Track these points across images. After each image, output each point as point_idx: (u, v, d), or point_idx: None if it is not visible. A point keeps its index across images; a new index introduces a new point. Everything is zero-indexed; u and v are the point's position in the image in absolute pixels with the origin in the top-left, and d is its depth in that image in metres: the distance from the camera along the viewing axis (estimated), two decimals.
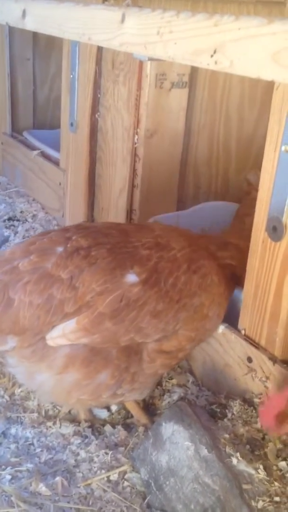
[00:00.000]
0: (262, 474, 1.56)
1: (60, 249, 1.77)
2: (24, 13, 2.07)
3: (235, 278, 1.98)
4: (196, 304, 1.79)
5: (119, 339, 1.71)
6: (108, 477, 1.71)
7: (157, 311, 1.72)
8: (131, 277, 1.71)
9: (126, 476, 1.72)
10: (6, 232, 3.25)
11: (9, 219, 3.45)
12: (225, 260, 1.96)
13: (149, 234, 1.88)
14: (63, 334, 1.69)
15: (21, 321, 1.72)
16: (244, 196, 2.83)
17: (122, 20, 1.47)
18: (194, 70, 2.48)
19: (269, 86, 2.51)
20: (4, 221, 3.42)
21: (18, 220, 3.44)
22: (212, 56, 1.15)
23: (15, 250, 1.84)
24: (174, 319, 1.75)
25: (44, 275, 1.72)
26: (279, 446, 1.66)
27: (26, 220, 3.45)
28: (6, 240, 3.17)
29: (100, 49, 2.60)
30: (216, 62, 1.14)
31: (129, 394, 1.83)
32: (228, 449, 1.60)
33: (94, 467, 1.75)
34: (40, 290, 1.71)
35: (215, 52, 1.14)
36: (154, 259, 1.77)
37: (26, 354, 1.76)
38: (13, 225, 3.37)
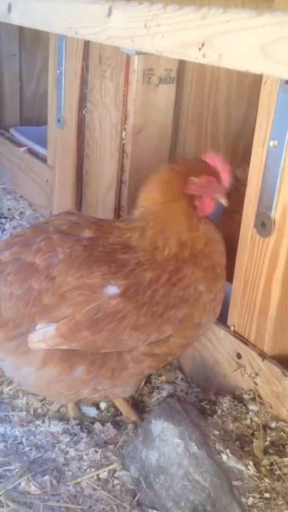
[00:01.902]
0: (252, 470, 1.56)
1: (40, 238, 1.77)
2: (9, 7, 2.05)
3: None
4: (181, 316, 1.72)
5: (99, 348, 1.71)
6: (97, 475, 1.70)
7: (138, 324, 1.68)
8: (111, 289, 1.67)
9: (116, 474, 1.71)
10: None
11: None
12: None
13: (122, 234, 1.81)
14: (43, 339, 1.70)
15: (2, 313, 1.73)
16: (232, 192, 2.83)
17: (109, 14, 1.45)
18: (181, 66, 2.47)
19: (257, 81, 2.50)
20: None
21: (5, 218, 3.41)
22: (200, 49, 1.14)
23: None
24: (158, 331, 1.71)
25: (24, 266, 1.73)
26: (267, 443, 1.66)
27: (14, 217, 3.42)
28: None
29: (87, 44, 2.58)
30: (204, 55, 1.13)
31: (111, 390, 1.82)
32: (218, 446, 1.60)
33: (84, 465, 1.73)
34: (20, 281, 1.71)
35: (203, 45, 1.13)
36: (131, 265, 1.70)
37: (10, 348, 1.77)
38: (1, 223, 3.34)
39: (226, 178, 1.78)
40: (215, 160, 1.77)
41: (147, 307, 1.67)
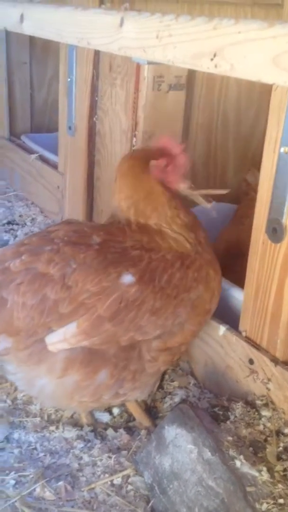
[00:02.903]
0: (265, 476, 1.56)
1: (49, 247, 1.78)
2: (22, 18, 2.07)
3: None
4: (193, 298, 1.79)
5: (119, 339, 1.72)
6: (111, 481, 1.71)
7: (155, 309, 1.72)
8: (127, 278, 1.71)
9: (129, 480, 1.71)
10: (6, 236, 3.25)
11: (8, 223, 3.45)
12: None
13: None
14: (65, 338, 1.70)
15: (15, 322, 1.73)
16: (242, 197, 2.84)
17: (121, 24, 1.47)
18: (191, 72, 2.48)
19: (266, 87, 2.51)
20: (3, 225, 3.42)
21: (17, 224, 3.44)
22: (212, 59, 1.15)
23: (5, 252, 1.85)
24: (173, 314, 1.76)
25: (36, 275, 1.73)
26: (280, 449, 1.67)
27: (25, 223, 3.45)
28: (5, 244, 3.17)
29: (97, 52, 2.60)
30: (216, 66, 1.15)
31: (131, 393, 1.83)
32: (231, 452, 1.60)
33: (98, 471, 1.74)
34: (33, 291, 1.71)
35: (215, 55, 1.14)
36: (146, 259, 1.76)
37: (23, 357, 1.76)
38: (13, 229, 3.37)
39: (180, 159, 1.81)
40: (168, 143, 1.82)
41: (163, 291, 1.73)
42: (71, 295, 1.69)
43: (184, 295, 1.77)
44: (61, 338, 1.70)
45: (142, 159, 1.81)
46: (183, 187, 1.83)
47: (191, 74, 2.51)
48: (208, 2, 2.31)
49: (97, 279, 1.69)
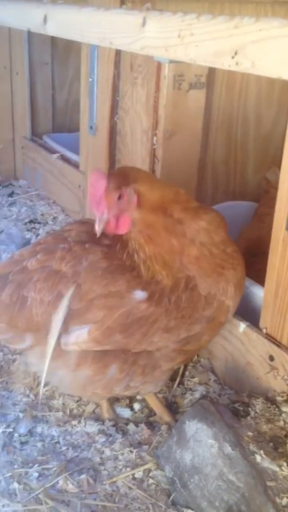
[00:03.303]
0: (286, 471, 1.57)
1: (61, 245, 1.83)
2: (45, 19, 2.11)
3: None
4: (208, 315, 1.78)
5: (131, 349, 1.76)
6: (133, 474, 1.73)
7: (168, 327, 1.73)
8: (139, 294, 1.72)
9: (150, 474, 1.74)
10: (28, 235, 3.30)
11: (30, 221, 3.50)
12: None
13: None
14: (76, 342, 1.75)
15: (34, 318, 1.78)
16: (263, 195, 2.84)
17: (143, 24, 1.49)
18: (211, 71, 2.50)
19: (286, 85, 2.51)
20: (25, 223, 3.47)
21: (39, 223, 3.48)
22: (233, 57, 1.17)
23: (23, 252, 1.91)
24: (187, 330, 1.77)
25: (51, 273, 1.78)
26: None
27: (47, 222, 3.50)
28: (27, 242, 3.21)
29: (118, 52, 2.63)
30: (237, 63, 1.16)
31: (143, 386, 1.86)
32: (252, 447, 1.62)
33: (119, 465, 1.77)
34: (49, 288, 1.76)
35: (236, 53, 1.16)
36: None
37: (43, 352, 1.80)
38: (34, 228, 3.41)
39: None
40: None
41: (176, 311, 1.73)
42: (81, 293, 1.74)
43: (197, 315, 1.76)
44: (73, 341, 1.75)
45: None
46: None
47: (211, 73, 2.53)
48: (229, 1, 2.32)
49: (103, 282, 1.73)
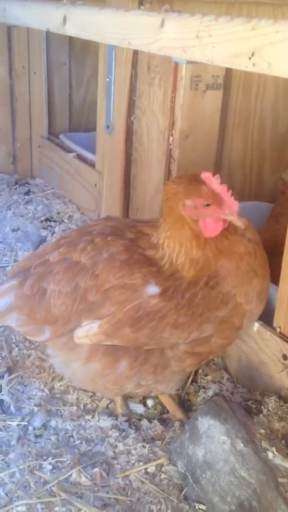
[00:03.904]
0: None
1: (84, 238, 1.86)
2: (65, 20, 2.14)
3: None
4: (221, 316, 1.78)
5: (142, 345, 1.77)
6: (145, 469, 1.76)
7: (178, 323, 1.73)
8: (151, 289, 1.73)
9: (163, 469, 1.76)
10: (44, 233, 3.34)
11: (46, 220, 3.54)
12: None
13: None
14: (87, 335, 1.78)
15: (52, 310, 1.82)
16: (279, 195, 2.85)
17: (162, 25, 1.51)
18: (228, 72, 2.51)
19: None
20: (42, 221, 3.51)
21: (55, 221, 3.52)
22: (250, 58, 1.19)
23: (47, 246, 1.97)
24: (198, 329, 1.76)
25: (71, 265, 1.82)
26: None
27: (63, 220, 3.53)
28: (43, 240, 3.26)
29: (136, 52, 2.65)
30: (254, 65, 1.18)
31: (155, 385, 1.88)
32: (264, 444, 1.63)
33: (132, 459, 1.80)
34: (68, 279, 1.80)
35: (253, 54, 1.18)
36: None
37: (59, 344, 1.86)
38: (50, 226, 3.45)
39: (226, 200, 1.70)
40: (211, 182, 1.71)
41: (187, 308, 1.73)
42: (98, 284, 1.76)
43: (209, 314, 1.75)
44: (85, 334, 1.79)
45: (178, 196, 1.73)
46: (237, 223, 1.72)
47: (228, 74, 2.54)
48: (246, 3, 2.33)
49: (120, 273, 1.75)
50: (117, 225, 1.93)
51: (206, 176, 1.71)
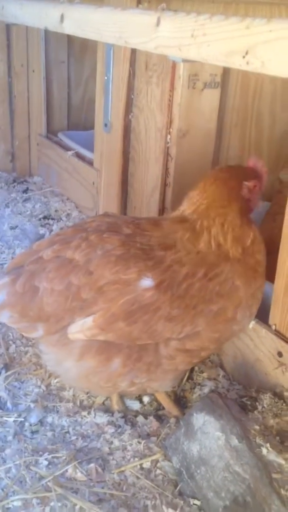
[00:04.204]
0: None
1: (79, 235, 1.86)
2: (62, 18, 2.15)
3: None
4: (215, 310, 1.77)
5: (135, 339, 1.77)
6: (141, 464, 1.77)
7: (171, 316, 1.74)
8: (146, 282, 1.74)
9: (158, 465, 1.77)
10: (42, 230, 3.35)
11: (44, 217, 3.55)
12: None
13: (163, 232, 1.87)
14: (81, 330, 1.78)
15: (45, 308, 1.82)
16: (275, 194, 2.86)
17: (158, 24, 1.53)
18: (226, 71, 2.52)
19: None
20: (40, 219, 3.52)
21: (53, 219, 3.53)
22: (244, 57, 1.20)
23: (41, 243, 1.96)
24: (191, 323, 1.76)
25: (64, 262, 1.81)
26: None
27: (61, 218, 3.54)
28: (41, 238, 3.26)
29: (134, 51, 2.66)
30: (248, 63, 1.19)
31: (148, 383, 1.88)
32: (258, 440, 1.65)
33: (127, 455, 1.81)
34: (60, 277, 1.80)
35: (247, 53, 1.19)
36: (168, 261, 1.77)
37: (52, 341, 1.86)
38: (48, 224, 3.46)
39: (264, 182, 1.96)
40: (258, 165, 1.95)
41: (181, 300, 1.73)
42: (91, 281, 1.76)
43: (203, 306, 1.75)
44: (79, 329, 1.79)
45: (238, 178, 1.91)
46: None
47: (226, 73, 2.55)
48: (244, 2, 2.34)
49: (115, 268, 1.75)
50: (115, 221, 1.93)
51: (253, 160, 1.95)
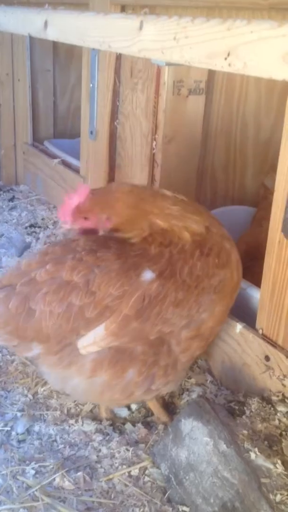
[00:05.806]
0: (280, 468, 1.59)
1: (71, 256, 1.81)
2: (45, 24, 2.15)
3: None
4: (215, 284, 1.81)
5: (147, 334, 1.76)
6: (129, 472, 1.75)
7: (178, 300, 1.75)
8: (148, 275, 1.74)
9: (146, 472, 1.75)
10: (28, 239, 3.33)
11: (31, 226, 3.53)
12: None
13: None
14: (94, 342, 1.75)
15: (44, 330, 1.77)
16: (261, 200, 2.87)
17: (140, 27, 1.53)
18: (210, 77, 2.53)
19: (286, 90, 2.54)
20: (26, 228, 3.50)
21: (39, 227, 3.52)
22: (226, 58, 1.20)
23: (30, 262, 1.87)
24: (196, 303, 1.78)
25: (61, 284, 1.77)
26: None
27: (47, 226, 3.53)
28: (28, 246, 3.25)
29: (119, 57, 2.67)
30: (230, 64, 1.19)
31: (165, 388, 1.87)
32: (247, 445, 1.63)
33: (116, 462, 1.79)
34: (59, 299, 1.75)
35: (228, 54, 1.19)
36: (167, 254, 1.79)
37: (53, 361, 1.82)
38: (35, 232, 3.44)
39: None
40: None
41: (184, 282, 1.76)
42: (95, 300, 1.73)
43: (204, 283, 1.79)
44: (91, 341, 1.75)
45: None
46: None
47: (211, 78, 2.56)
48: (226, 8, 2.36)
49: (119, 283, 1.73)
50: (98, 238, 1.92)
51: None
